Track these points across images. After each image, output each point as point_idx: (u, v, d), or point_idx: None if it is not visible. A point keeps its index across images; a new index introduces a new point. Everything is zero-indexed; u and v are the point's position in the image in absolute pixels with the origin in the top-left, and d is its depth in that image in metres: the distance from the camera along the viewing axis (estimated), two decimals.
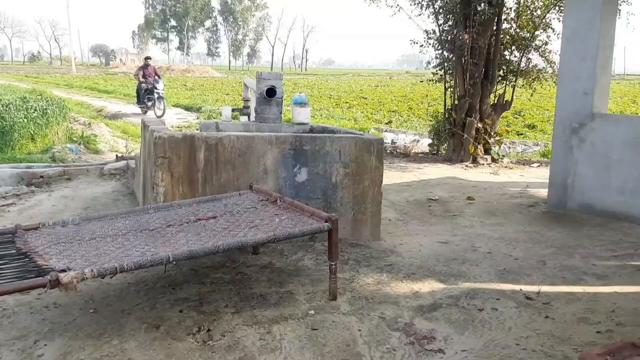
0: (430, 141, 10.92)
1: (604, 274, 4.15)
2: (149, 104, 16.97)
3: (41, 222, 3.62)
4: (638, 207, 5.46)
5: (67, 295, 3.32)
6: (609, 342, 2.97)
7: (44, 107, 12.30)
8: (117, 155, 8.96)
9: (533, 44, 9.70)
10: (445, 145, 10.15)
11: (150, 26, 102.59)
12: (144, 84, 17.08)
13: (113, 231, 3.46)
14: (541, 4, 9.69)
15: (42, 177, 6.88)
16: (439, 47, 9.99)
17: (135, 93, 18.24)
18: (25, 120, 10.96)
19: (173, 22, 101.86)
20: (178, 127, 14.46)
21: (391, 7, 10.29)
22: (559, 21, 9.28)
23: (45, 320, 3.17)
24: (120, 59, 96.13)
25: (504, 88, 9.83)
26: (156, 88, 16.71)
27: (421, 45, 10.40)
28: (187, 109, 23.42)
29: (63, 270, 2.67)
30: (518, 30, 9.76)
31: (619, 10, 7.27)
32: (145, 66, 17.69)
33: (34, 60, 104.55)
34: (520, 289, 3.80)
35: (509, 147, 12.27)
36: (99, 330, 3.04)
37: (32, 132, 10.88)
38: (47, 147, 10.47)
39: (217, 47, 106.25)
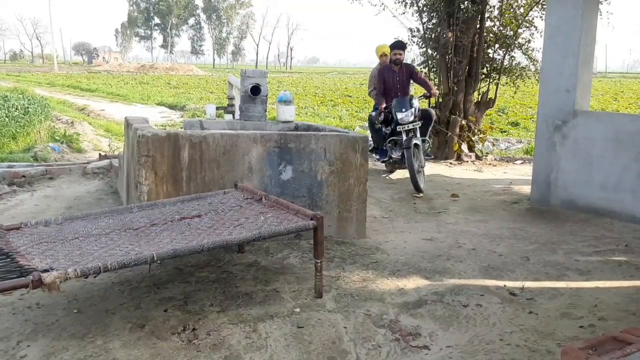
0: None
1: (586, 269, 4.20)
2: (397, 155, 7.22)
3: (23, 221, 3.58)
4: (619, 203, 5.53)
5: (50, 295, 3.27)
6: (592, 336, 3.01)
7: (26, 105, 12.19)
8: (100, 154, 8.89)
9: (516, 42, 9.77)
10: (430, 143, 10.18)
11: (133, 24, 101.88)
12: (383, 110, 7.32)
13: (96, 230, 3.42)
14: (524, 2, 9.76)
15: (24, 176, 6.80)
16: (423, 45, 10.03)
17: (368, 126, 8.16)
18: (7, 119, 10.85)
19: (157, 20, 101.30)
20: (162, 126, 14.38)
21: (375, 5, 10.30)
22: (542, 19, 9.36)
23: (28, 320, 3.13)
24: (103, 57, 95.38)
25: (487, 86, 9.89)
26: (411, 105, 7.04)
27: (405, 44, 10.42)
28: (171, 107, 23.32)
29: (46, 270, 2.64)
30: (501, 28, 9.83)
31: (600, 9, 7.34)
32: (391, 68, 7.56)
33: (15, 59, 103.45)
34: (505, 285, 3.83)
35: (493, 145, 12.36)
36: (83, 331, 3.01)
37: (14, 131, 10.77)
38: (29, 146, 10.36)
39: (201, 45, 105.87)
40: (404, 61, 7.59)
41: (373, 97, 8.25)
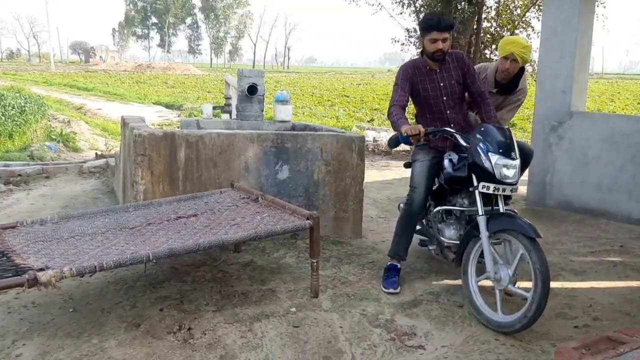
0: None
1: (581, 269, 4.21)
2: (451, 237, 3.64)
3: (19, 220, 3.58)
4: (614, 204, 5.55)
5: (45, 294, 3.29)
6: (586, 336, 3.02)
7: (22, 104, 12.17)
8: (96, 153, 8.89)
9: None
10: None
11: (130, 23, 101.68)
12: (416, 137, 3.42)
13: (92, 229, 3.42)
14: (521, 3, 9.82)
15: (20, 175, 6.79)
16: (420, 46, 10.05)
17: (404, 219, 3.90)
18: (3, 118, 10.83)
19: (154, 19, 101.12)
20: (159, 125, 14.36)
21: (372, 5, 10.33)
22: (539, 20, 9.39)
23: (24, 319, 3.13)
24: (100, 57, 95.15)
25: None
26: (514, 149, 3.26)
27: (402, 44, 10.47)
28: (168, 106, 23.29)
29: (41, 269, 2.64)
30: (498, 29, 9.87)
31: (596, 12, 7.36)
32: (424, 64, 3.86)
33: (12, 57, 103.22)
34: None
35: None
36: (79, 330, 3.01)
37: (10, 130, 10.75)
38: (25, 145, 10.35)
39: (198, 45, 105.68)
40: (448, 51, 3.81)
41: (392, 119, 3.75)
